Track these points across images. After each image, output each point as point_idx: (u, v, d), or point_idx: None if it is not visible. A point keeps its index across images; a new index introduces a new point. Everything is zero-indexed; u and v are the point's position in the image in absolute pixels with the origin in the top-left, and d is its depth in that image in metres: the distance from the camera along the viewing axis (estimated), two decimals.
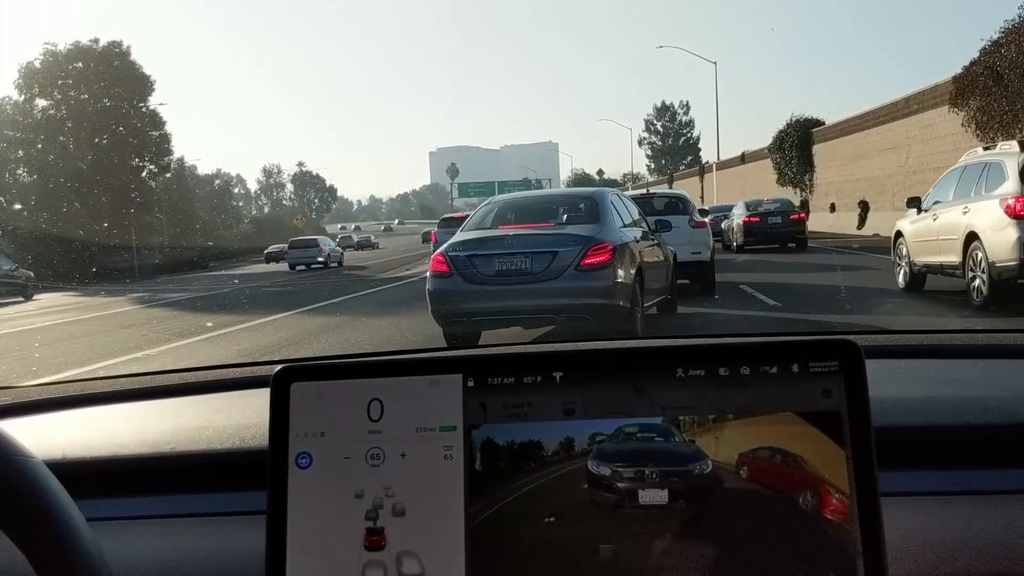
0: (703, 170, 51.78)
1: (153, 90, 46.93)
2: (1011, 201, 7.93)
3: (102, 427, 1.25)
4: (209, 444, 1.11)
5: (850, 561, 0.64)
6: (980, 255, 8.33)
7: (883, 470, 0.66)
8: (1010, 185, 8.07)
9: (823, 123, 33.29)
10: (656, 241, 8.45)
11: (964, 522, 0.88)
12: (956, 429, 1.01)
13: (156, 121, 46.90)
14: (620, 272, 6.82)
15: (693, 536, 0.65)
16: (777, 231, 20.83)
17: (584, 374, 0.68)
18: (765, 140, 37.52)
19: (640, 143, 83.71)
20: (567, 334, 6.97)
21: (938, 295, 9.81)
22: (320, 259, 31.29)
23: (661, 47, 72.91)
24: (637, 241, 7.52)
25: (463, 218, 12.81)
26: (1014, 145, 8.62)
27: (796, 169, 33.70)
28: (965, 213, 8.75)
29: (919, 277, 10.15)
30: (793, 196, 32.08)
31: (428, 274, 7.25)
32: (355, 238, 64.80)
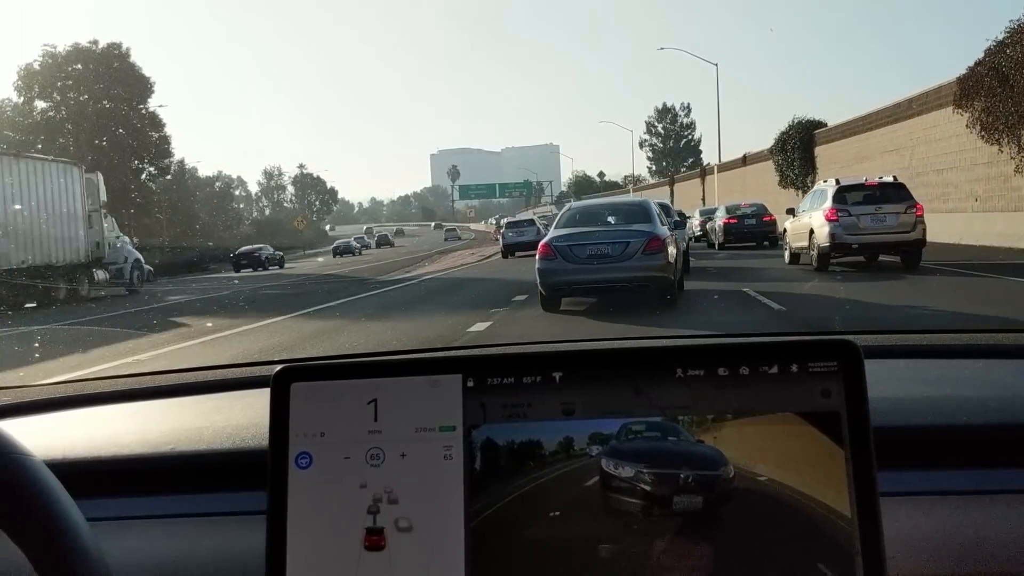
0: (704, 172, 50.67)
1: (153, 92, 46.41)
2: (827, 211, 14.33)
3: (103, 427, 1.26)
4: (209, 444, 1.12)
5: (849, 560, 0.64)
6: (815, 241, 14.62)
7: (882, 470, 0.66)
8: (828, 203, 14.51)
9: (825, 125, 32.72)
10: (676, 235, 11.76)
11: (963, 521, 0.88)
12: (955, 429, 1.01)
13: (156, 123, 46.35)
14: (669, 255, 10.27)
15: (694, 536, 0.65)
16: (752, 231, 24.43)
17: (583, 374, 0.68)
18: (767, 142, 36.94)
19: (641, 145, 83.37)
20: (570, 337, 7.49)
21: (801, 265, 15.81)
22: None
23: (663, 49, 72.71)
24: (670, 234, 10.87)
25: (520, 220, 27.04)
26: (833, 181, 15.42)
27: (798, 171, 33.11)
28: (810, 217, 15.07)
29: (795, 256, 16.45)
30: (795, 198, 31.76)
31: (537, 257, 10.49)
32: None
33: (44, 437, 1.15)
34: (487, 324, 9.08)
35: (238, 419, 1.17)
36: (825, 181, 16.27)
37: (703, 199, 45.15)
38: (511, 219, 33.87)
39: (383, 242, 66.03)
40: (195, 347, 9.50)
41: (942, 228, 20.58)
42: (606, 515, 0.66)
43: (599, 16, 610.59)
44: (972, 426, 1.01)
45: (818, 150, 32.50)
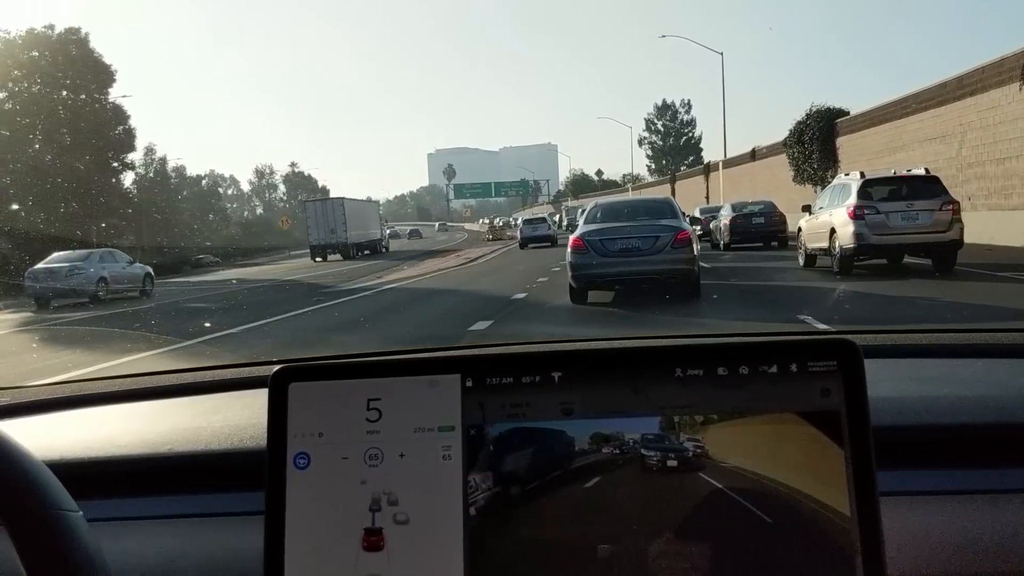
0: (708, 169, 47.90)
1: (114, 81, 42.82)
2: (851, 208, 12.84)
3: (101, 427, 1.25)
4: (207, 445, 1.11)
5: (849, 560, 0.64)
6: (836, 241, 13.20)
7: (882, 469, 0.66)
8: (852, 199, 13.04)
9: (847, 113, 28.94)
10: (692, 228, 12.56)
11: (963, 521, 0.88)
12: (955, 428, 1.01)
13: (120, 115, 42.94)
14: (694, 249, 10.80)
15: (691, 536, 0.65)
16: (760, 230, 22.91)
17: (582, 374, 0.68)
18: (775, 137, 33.99)
19: (640, 143, 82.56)
20: (572, 337, 7.53)
21: (818, 268, 14.51)
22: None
23: (664, 36, 71.09)
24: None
25: (533, 218, 38.02)
26: (858, 174, 13.74)
27: (817, 165, 29.46)
28: (831, 215, 13.58)
29: (811, 257, 15.00)
30: (813, 195, 27.44)
31: (569, 251, 11.03)
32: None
33: (43, 437, 1.15)
34: None
35: (236, 419, 1.17)
36: (847, 174, 14.57)
37: (707, 197, 43.25)
38: (527, 217, 42.00)
39: (415, 235, 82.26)
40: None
41: (1004, 228, 17.62)
42: (597, 515, 0.66)
43: (598, 9, 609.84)
44: (972, 425, 1.01)
45: (840, 141, 28.88)
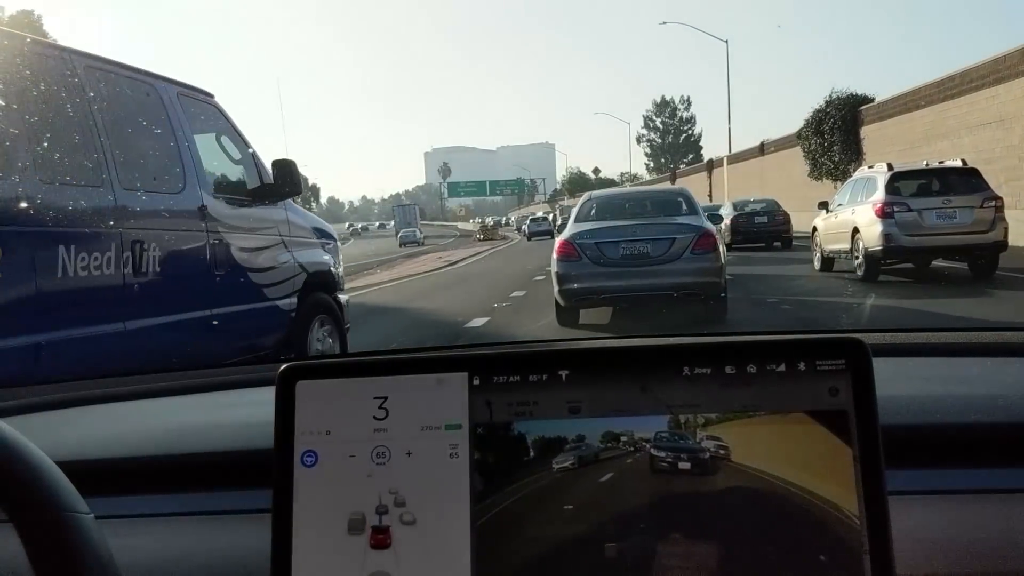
0: (711, 165, 46.53)
1: None
2: (879, 205, 11.45)
3: (108, 426, 1.26)
4: (215, 442, 1.12)
5: (857, 560, 0.64)
6: (860, 243, 11.78)
7: (890, 469, 0.65)
8: (879, 194, 11.65)
9: (872, 100, 26.36)
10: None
11: (972, 521, 0.87)
12: (964, 428, 1.01)
13: None
14: (720, 255, 8.34)
15: (698, 535, 0.65)
16: (763, 229, 21.94)
17: (590, 372, 0.68)
18: (782, 132, 32.10)
19: (639, 140, 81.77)
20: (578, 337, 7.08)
21: (837, 273, 12.96)
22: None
23: (665, 23, 69.36)
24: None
25: (537, 217, 49.22)
26: (884, 166, 12.32)
27: (838, 158, 26.77)
28: (853, 213, 12.19)
29: (828, 261, 13.53)
30: (832, 192, 24.11)
31: (555, 258, 8.36)
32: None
33: (51, 436, 1.15)
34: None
35: (243, 417, 1.18)
36: (871, 166, 13.22)
37: (709, 195, 41.84)
38: (532, 216, 51.41)
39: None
40: None
41: None
42: (603, 513, 0.66)
43: (597, 5, 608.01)
44: (981, 425, 1.01)
45: (865, 130, 26.21)
